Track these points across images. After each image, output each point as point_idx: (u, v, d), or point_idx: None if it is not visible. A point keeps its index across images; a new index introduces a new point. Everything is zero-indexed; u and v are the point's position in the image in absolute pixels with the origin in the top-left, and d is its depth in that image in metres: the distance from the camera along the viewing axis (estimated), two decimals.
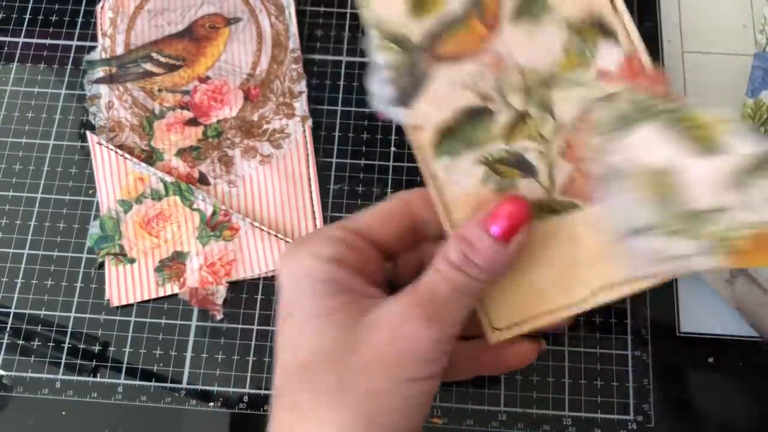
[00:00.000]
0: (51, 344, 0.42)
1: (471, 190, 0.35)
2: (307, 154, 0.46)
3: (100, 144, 0.45)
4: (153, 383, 0.42)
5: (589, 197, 0.35)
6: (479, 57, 0.37)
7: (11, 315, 0.43)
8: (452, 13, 0.37)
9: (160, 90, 0.47)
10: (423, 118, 0.36)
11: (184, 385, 0.41)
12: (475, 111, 0.36)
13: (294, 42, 0.49)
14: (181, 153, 0.46)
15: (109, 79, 0.48)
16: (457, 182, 0.36)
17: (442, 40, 0.37)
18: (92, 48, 0.49)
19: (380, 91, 0.38)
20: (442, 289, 0.25)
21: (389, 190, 0.45)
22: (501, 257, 0.26)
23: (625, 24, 0.37)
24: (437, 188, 0.35)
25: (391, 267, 0.29)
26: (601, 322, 0.42)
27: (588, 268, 0.35)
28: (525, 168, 0.35)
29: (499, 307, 0.34)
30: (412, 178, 0.46)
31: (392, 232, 0.28)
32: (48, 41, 0.50)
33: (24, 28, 0.50)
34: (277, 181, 0.45)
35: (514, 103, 0.36)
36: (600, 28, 0.37)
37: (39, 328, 0.43)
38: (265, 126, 0.47)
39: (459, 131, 0.36)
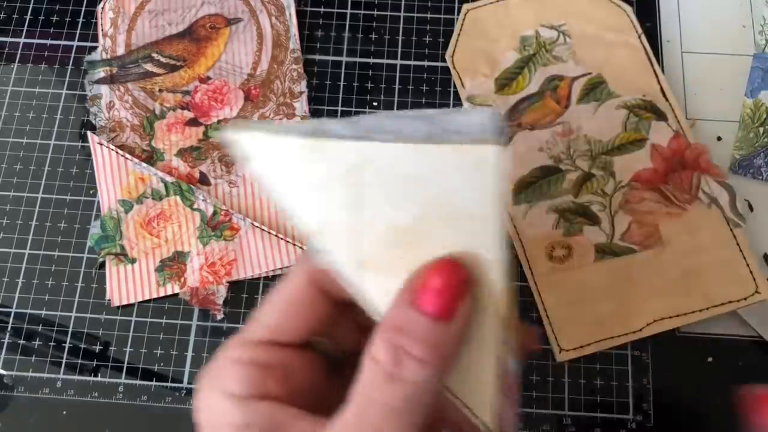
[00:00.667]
0: (52, 344, 0.42)
1: (544, 232, 0.43)
2: None
3: (101, 144, 0.45)
4: (154, 383, 0.42)
5: (643, 243, 0.42)
6: (553, 127, 0.45)
7: (12, 315, 0.43)
8: (531, 91, 0.46)
9: (160, 90, 0.48)
10: None
11: (185, 384, 0.42)
12: (549, 169, 0.44)
13: (294, 42, 0.49)
14: (181, 153, 0.46)
15: (110, 80, 0.48)
16: (532, 225, 0.43)
17: (523, 112, 0.46)
18: (93, 48, 0.49)
19: None
20: (372, 419, 0.19)
21: None
22: (446, 339, 0.19)
23: (673, 109, 0.45)
24: (516, 228, 0.43)
25: (328, 342, 0.24)
26: None
27: (643, 303, 0.41)
28: (590, 218, 0.43)
29: (567, 331, 0.41)
30: None
31: (307, 326, 0.22)
32: (49, 41, 0.50)
33: (25, 28, 0.50)
34: None
35: (582, 165, 0.44)
36: (653, 111, 0.45)
37: (40, 327, 0.43)
38: None
39: (535, 184, 0.44)
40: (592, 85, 0.46)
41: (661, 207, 0.43)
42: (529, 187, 0.44)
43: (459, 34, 0.49)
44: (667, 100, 0.45)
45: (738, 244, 0.42)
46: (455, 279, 0.19)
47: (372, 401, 0.19)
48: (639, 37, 0.47)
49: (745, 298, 0.41)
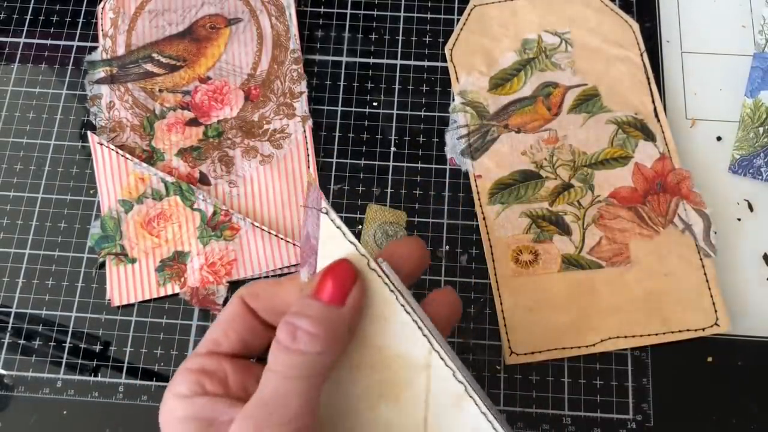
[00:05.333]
0: (52, 344, 0.43)
1: (514, 235, 0.43)
2: (308, 154, 0.46)
3: (101, 144, 0.45)
4: (154, 383, 0.42)
5: (611, 260, 0.43)
6: (539, 133, 0.46)
7: (12, 314, 0.43)
8: (524, 94, 0.47)
9: (160, 90, 0.48)
10: (485, 170, 0.45)
11: None
12: (529, 174, 0.45)
13: (294, 42, 0.49)
14: (181, 153, 0.46)
15: (110, 80, 0.48)
16: (504, 227, 0.44)
17: (512, 113, 0.46)
18: (93, 48, 0.49)
19: (454, 143, 0.46)
20: (272, 386, 0.23)
21: (389, 191, 0.46)
22: (335, 318, 0.24)
23: (664, 131, 0.45)
24: (487, 227, 0.44)
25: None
26: None
27: (601, 319, 0.42)
28: (562, 227, 0.44)
29: (521, 336, 0.41)
30: (412, 178, 0.46)
31: (239, 338, 0.26)
32: (49, 42, 0.50)
33: (25, 28, 0.50)
34: (278, 181, 0.45)
35: (562, 175, 0.45)
36: (643, 131, 0.45)
37: (40, 327, 0.43)
38: (266, 126, 0.47)
39: (512, 186, 0.45)
40: (585, 96, 0.46)
41: (635, 226, 0.43)
42: (507, 188, 0.45)
43: (461, 29, 0.49)
44: (659, 121, 0.45)
45: (705, 273, 0.42)
46: (345, 272, 0.24)
47: (273, 373, 0.23)
48: (641, 54, 0.47)
49: (704, 329, 0.41)
